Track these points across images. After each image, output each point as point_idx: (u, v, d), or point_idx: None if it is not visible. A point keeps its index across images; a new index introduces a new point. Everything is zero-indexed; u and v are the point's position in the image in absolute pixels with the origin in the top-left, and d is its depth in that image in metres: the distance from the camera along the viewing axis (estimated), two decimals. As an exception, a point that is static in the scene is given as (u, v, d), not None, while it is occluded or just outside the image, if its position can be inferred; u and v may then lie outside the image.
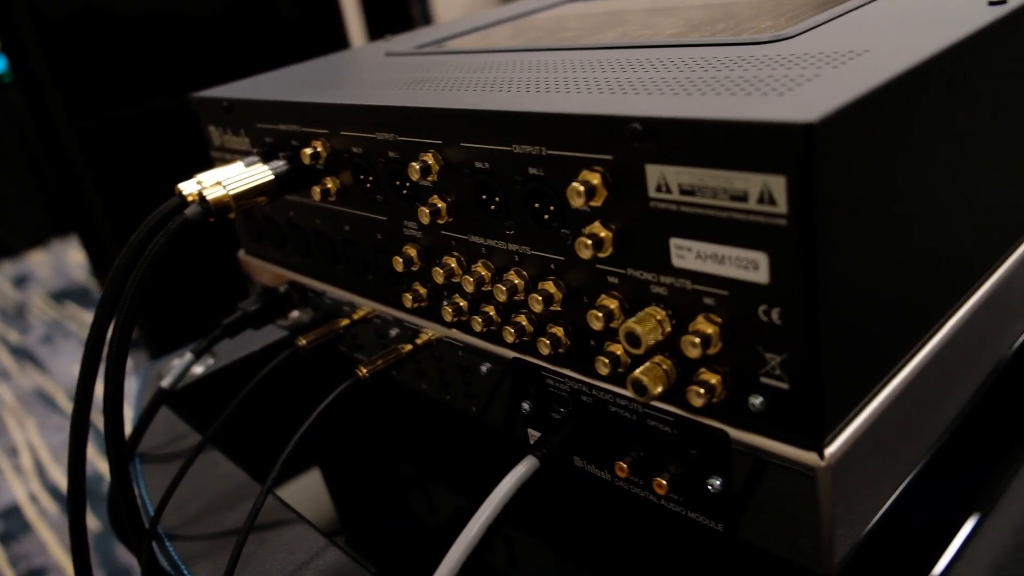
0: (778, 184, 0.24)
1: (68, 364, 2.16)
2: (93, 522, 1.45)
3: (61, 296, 2.65)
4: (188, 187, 0.42)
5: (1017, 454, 0.38)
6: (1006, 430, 0.40)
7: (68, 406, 1.95)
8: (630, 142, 0.27)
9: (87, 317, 2.45)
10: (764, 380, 0.27)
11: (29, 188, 3.09)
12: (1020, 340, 0.40)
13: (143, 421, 0.49)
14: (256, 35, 1.26)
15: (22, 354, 2.30)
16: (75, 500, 0.41)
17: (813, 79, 0.26)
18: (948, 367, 0.32)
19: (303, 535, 0.41)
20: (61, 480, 1.67)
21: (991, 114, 0.34)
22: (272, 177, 0.43)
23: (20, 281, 2.86)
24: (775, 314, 0.26)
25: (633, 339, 0.28)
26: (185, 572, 0.40)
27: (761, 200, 0.24)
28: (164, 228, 0.40)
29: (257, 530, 0.41)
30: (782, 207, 0.24)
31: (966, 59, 0.30)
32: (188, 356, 0.52)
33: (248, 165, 0.44)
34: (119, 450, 0.40)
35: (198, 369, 0.61)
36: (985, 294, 0.35)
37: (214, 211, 0.41)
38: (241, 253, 0.57)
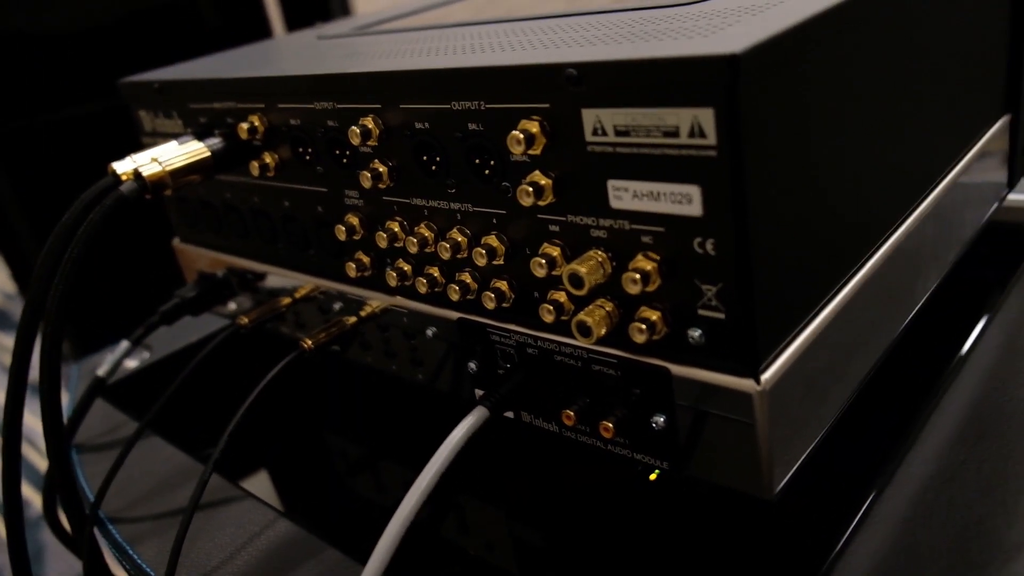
0: (707, 116, 0.25)
1: (-14, 389, 2.07)
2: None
3: (-24, 320, 2.54)
4: (122, 166, 0.42)
5: (938, 391, 0.40)
6: (929, 367, 0.42)
7: (-12, 431, 1.87)
8: (566, 88, 0.28)
9: (4, 340, 2.35)
10: (701, 312, 0.28)
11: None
12: (954, 255, 0.42)
13: (79, 411, 0.48)
14: (179, 40, 1.24)
15: (-65, 381, 2.19)
16: (10, 489, 0.40)
17: (735, 24, 0.28)
18: (877, 299, 0.34)
19: (251, 509, 0.41)
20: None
21: (909, 51, 0.36)
22: (208, 153, 0.43)
23: (-69, 306, 2.73)
24: (709, 245, 0.27)
25: (576, 280, 0.29)
26: (131, 553, 0.40)
27: (692, 134, 0.26)
28: (99, 205, 0.40)
29: (204, 507, 0.41)
30: (711, 139, 0.25)
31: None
32: (124, 344, 0.51)
33: (182, 143, 0.44)
34: (57, 433, 0.39)
35: (132, 363, 0.60)
36: (910, 227, 0.37)
37: (150, 188, 0.41)
38: (176, 241, 0.56)
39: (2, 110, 1.06)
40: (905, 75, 0.36)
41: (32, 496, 1.41)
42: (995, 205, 0.49)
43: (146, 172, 0.41)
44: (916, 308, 0.39)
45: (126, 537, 0.41)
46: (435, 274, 0.37)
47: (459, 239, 0.35)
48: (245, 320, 0.46)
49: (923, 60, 0.37)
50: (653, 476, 0.40)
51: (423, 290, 0.37)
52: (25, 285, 1.28)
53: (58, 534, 0.50)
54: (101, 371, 0.49)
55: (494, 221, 0.34)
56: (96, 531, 0.42)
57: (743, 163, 0.25)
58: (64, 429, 0.43)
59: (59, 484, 0.40)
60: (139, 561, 0.39)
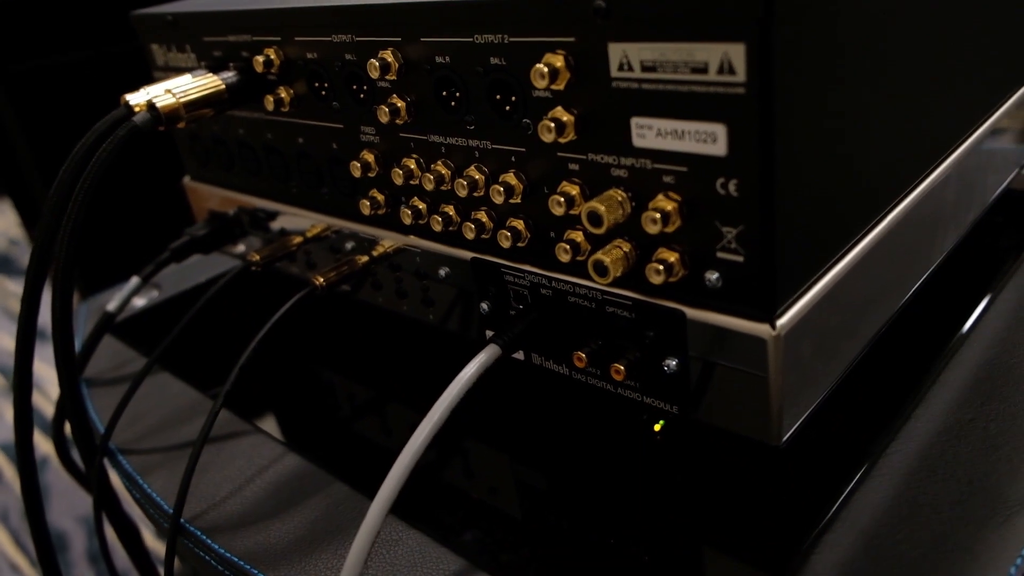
0: (737, 52, 0.25)
1: (-9, 330, 2.08)
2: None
3: (-19, 262, 2.54)
4: (135, 97, 0.41)
5: (948, 352, 0.40)
6: (941, 328, 0.42)
7: (-8, 372, 1.88)
8: (593, 21, 0.28)
9: (9, 285, 2.36)
10: (720, 255, 0.28)
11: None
12: (972, 218, 0.42)
13: (89, 345, 0.49)
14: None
15: (-60, 321, 2.20)
16: (22, 428, 0.40)
17: (769, -41, 0.27)
18: (893, 256, 0.34)
19: (260, 443, 0.41)
20: (-13, 446, 1.61)
21: (939, 6, 0.35)
22: (223, 87, 0.43)
23: (-65, 247, 2.73)
24: (732, 186, 0.27)
25: (595, 218, 0.29)
26: (141, 483, 0.40)
27: (721, 70, 0.25)
28: (111, 136, 0.39)
29: (214, 440, 0.41)
30: (741, 76, 0.25)
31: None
32: (134, 281, 0.51)
33: (196, 77, 0.43)
34: (69, 364, 0.39)
35: (141, 301, 0.60)
36: (930, 186, 0.37)
37: (164, 120, 0.41)
38: (186, 179, 0.56)
39: (10, 52, 1.05)
40: (934, 31, 0.35)
41: (39, 440, 1.42)
42: (1015, 172, 0.48)
43: (160, 103, 0.40)
44: (931, 268, 0.39)
45: (136, 468, 0.41)
46: (450, 212, 0.36)
47: (476, 177, 0.34)
48: (256, 257, 0.46)
49: (952, 19, 0.37)
50: (658, 427, 0.40)
51: (438, 228, 0.37)
52: (34, 229, 1.28)
53: (68, 467, 0.51)
54: (111, 306, 0.50)
55: (513, 159, 0.33)
56: (106, 463, 0.42)
57: (772, 102, 0.25)
58: (75, 361, 0.43)
59: (71, 415, 0.40)
60: (149, 491, 0.39)
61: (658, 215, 0.28)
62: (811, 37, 0.26)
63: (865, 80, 0.30)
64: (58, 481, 1.23)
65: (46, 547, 0.42)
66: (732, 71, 0.25)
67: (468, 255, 0.37)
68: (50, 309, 0.39)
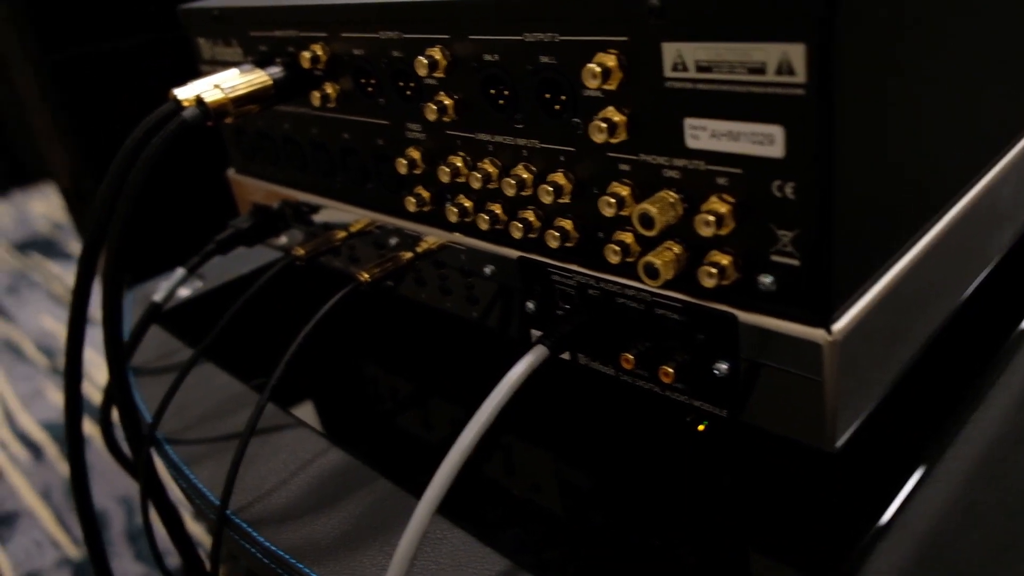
0: (797, 53, 0.24)
1: (34, 314, 2.12)
2: (65, 468, 1.44)
3: (25, 247, 2.60)
4: (184, 92, 0.42)
5: (1007, 354, 0.39)
6: (999, 328, 0.41)
7: (36, 355, 1.92)
8: (647, 20, 0.27)
9: (53, 268, 2.40)
10: (774, 258, 0.28)
11: (-12, 138, 3.01)
12: (1020, 232, 0.41)
13: (136, 334, 0.49)
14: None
15: (-13, 304, 2.25)
16: (72, 407, 0.41)
17: (830, -43, 0.27)
18: (950, 255, 0.33)
19: (304, 438, 0.41)
20: (31, 427, 1.65)
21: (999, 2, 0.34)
22: (270, 82, 0.43)
23: (-18, 232, 2.80)
24: (789, 189, 0.26)
25: (647, 220, 0.29)
26: (187, 473, 0.41)
27: (779, 71, 0.25)
28: (160, 131, 0.40)
29: (258, 433, 0.42)
30: (800, 77, 0.25)
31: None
32: (180, 272, 0.51)
33: (243, 72, 0.43)
34: (118, 355, 0.40)
35: (186, 291, 0.61)
36: (988, 184, 0.36)
37: (212, 114, 0.41)
38: (231, 172, 0.56)
39: (55, 39, 1.06)
40: (992, 26, 0.34)
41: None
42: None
43: (208, 98, 0.40)
44: (989, 267, 0.38)
45: (183, 458, 0.42)
46: (497, 211, 0.36)
47: (524, 176, 0.34)
48: (301, 252, 0.46)
49: (1010, 14, 0.36)
50: (702, 427, 0.39)
51: (484, 227, 0.36)
52: (77, 214, 1.30)
53: (114, 453, 0.52)
54: (157, 297, 0.50)
55: (562, 158, 0.33)
56: (152, 451, 0.43)
57: (832, 104, 0.25)
58: (124, 348, 0.43)
59: (119, 403, 0.41)
60: (195, 481, 0.40)
61: (712, 218, 0.28)
62: (872, 36, 0.26)
63: (925, 78, 0.30)
64: (99, 461, 1.25)
65: (92, 528, 0.43)
66: (791, 72, 0.25)
67: (514, 254, 0.37)
68: (99, 299, 0.39)
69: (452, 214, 0.38)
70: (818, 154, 0.25)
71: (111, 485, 1.36)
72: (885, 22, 0.26)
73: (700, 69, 0.27)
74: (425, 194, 0.40)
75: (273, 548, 0.35)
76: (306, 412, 0.48)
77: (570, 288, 0.35)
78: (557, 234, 0.34)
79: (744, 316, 0.30)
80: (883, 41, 0.26)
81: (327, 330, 0.40)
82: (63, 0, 1.05)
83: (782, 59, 0.25)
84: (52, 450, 1.56)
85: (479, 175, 0.35)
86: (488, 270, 0.39)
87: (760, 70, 0.25)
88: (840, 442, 0.30)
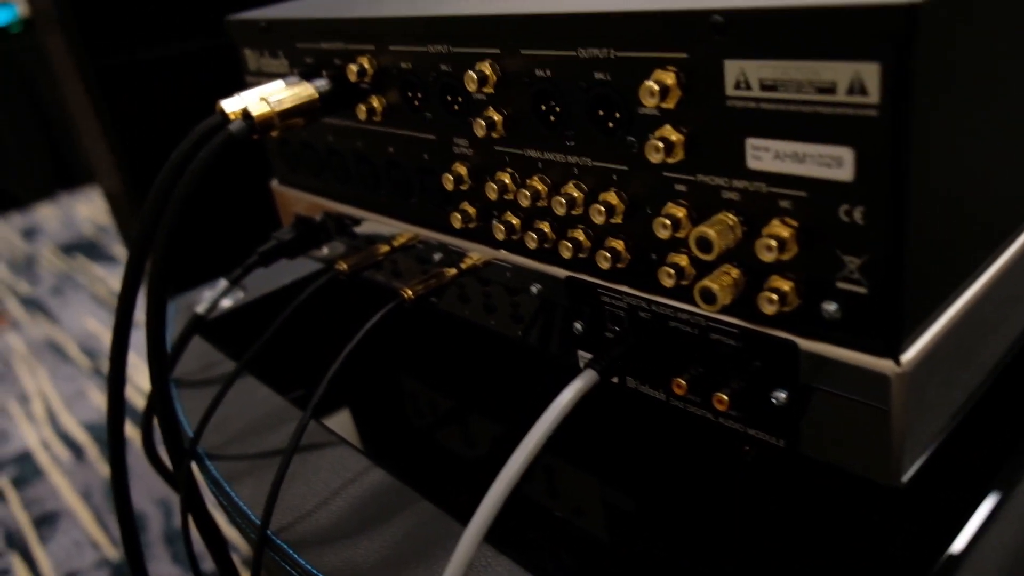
0: (871, 72, 0.23)
1: (78, 316, 2.16)
2: (105, 469, 1.46)
3: (70, 249, 2.65)
4: (230, 104, 0.41)
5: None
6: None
7: (79, 356, 1.96)
8: (709, 37, 0.26)
9: (96, 270, 2.45)
10: (840, 285, 0.27)
11: (36, 141, 3.08)
12: None
13: (178, 346, 0.49)
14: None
15: (32, 305, 2.30)
16: (114, 416, 0.41)
17: (904, -29, 0.25)
18: (1022, 281, 0.32)
19: (346, 456, 0.41)
20: (73, 428, 1.67)
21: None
22: (316, 95, 0.42)
23: (29, 233, 2.86)
24: (857, 214, 0.25)
25: (705, 244, 0.28)
26: (228, 490, 0.40)
27: (851, 91, 0.24)
28: (208, 144, 0.39)
29: (299, 451, 0.41)
30: (874, 97, 0.23)
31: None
32: (222, 283, 0.51)
33: (289, 84, 0.43)
34: (161, 365, 0.40)
35: (228, 302, 0.61)
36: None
37: (258, 128, 0.41)
38: (274, 183, 0.56)
39: (102, 46, 1.08)
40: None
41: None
42: None
43: (255, 111, 0.40)
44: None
45: (223, 474, 0.41)
46: (546, 229, 0.35)
47: (575, 194, 0.33)
48: (344, 267, 0.46)
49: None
50: (748, 448, 0.38)
51: (532, 245, 0.36)
52: (121, 218, 1.32)
53: (154, 464, 0.52)
54: (200, 308, 0.50)
55: (614, 177, 0.32)
56: (192, 464, 0.43)
57: (907, 126, 0.23)
58: (167, 361, 0.43)
59: (161, 416, 0.40)
60: (236, 499, 0.39)
61: (774, 242, 0.26)
62: (951, 55, 0.24)
63: (1002, 99, 0.28)
64: (138, 463, 1.27)
65: (131, 532, 0.43)
66: (864, 92, 0.23)
67: (563, 273, 0.36)
68: (143, 303, 0.39)
69: (499, 231, 0.37)
70: (891, 178, 0.24)
71: (149, 488, 1.38)
72: (962, 43, 0.25)
73: (764, 87, 0.26)
74: (471, 210, 0.39)
75: (314, 571, 0.34)
76: (343, 421, 0.47)
77: (620, 310, 0.34)
78: (608, 255, 0.33)
79: (805, 344, 0.28)
80: (963, 59, 0.25)
81: (368, 343, 0.39)
82: (111, 7, 1.07)
83: (854, 78, 0.23)
84: (93, 451, 1.58)
85: (528, 192, 0.35)
86: (535, 289, 0.38)
87: (830, 89, 0.24)
88: (907, 476, 0.28)
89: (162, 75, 1.10)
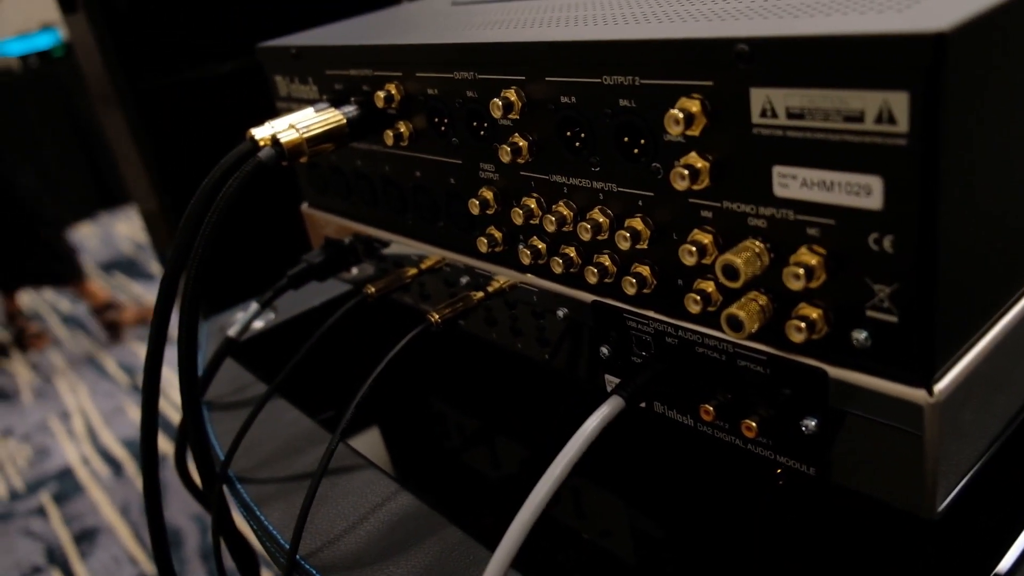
0: (900, 101, 0.23)
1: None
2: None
3: (110, 267, 2.70)
4: (260, 132, 0.42)
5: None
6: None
7: (118, 373, 1.99)
8: (735, 65, 0.26)
9: (135, 288, 2.49)
10: (870, 313, 0.26)
11: (77, 162, 3.15)
12: None
13: (210, 369, 0.50)
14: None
15: (73, 323, 2.35)
16: (148, 441, 0.42)
17: (932, -3, 0.25)
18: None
19: (374, 480, 0.41)
20: (112, 443, 1.70)
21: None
22: (344, 121, 0.43)
23: (69, 252, 2.92)
24: (887, 242, 0.25)
25: (731, 271, 0.27)
26: (258, 514, 0.40)
27: (879, 119, 0.23)
28: (238, 171, 0.40)
29: (328, 474, 0.42)
30: (902, 126, 0.23)
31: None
32: (253, 306, 0.52)
33: (318, 111, 0.44)
34: (193, 389, 0.40)
35: (258, 324, 0.61)
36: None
37: (287, 155, 0.41)
38: (304, 206, 0.57)
39: (141, 69, 1.10)
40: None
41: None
42: None
43: (284, 139, 0.41)
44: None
45: (253, 498, 0.42)
46: (571, 254, 0.35)
47: (600, 220, 0.33)
48: (372, 290, 0.46)
49: None
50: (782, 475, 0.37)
51: (558, 270, 0.36)
52: (157, 238, 1.34)
53: (187, 485, 0.52)
54: (232, 331, 0.51)
55: (640, 203, 0.32)
56: (224, 488, 0.43)
57: (937, 154, 0.23)
58: (199, 385, 0.44)
59: (193, 440, 0.41)
60: (266, 523, 0.40)
61: (801, 270, 0.26)
62: (979, 84, 0.24)
63: (1036, 122, 0.28)
64: (174, 479, 1.29)
65: (163, 547, 0.43)
66: (892, 120, 0.23)
67: (589, 298, 0.36)
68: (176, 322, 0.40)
69: (525, 256, 0.37)
70: (920, 207, 0.24)
71: (185, 503, 1.39)
72: (990, 70, 0.24)
73: (791, 116, 0.25)
74: (497, 235, 0.39)
75: (342, 596, 0.35)
76: (372, 440, 0.47)
77: (647, 335, 0.34)
78: (634, 280, 0.32)
79: (835, 372, 0.28)
80: (987, 90, 0.25)
81: (396, 366, 0.39)
82: (147, 32, 1.09)
83: (882, 107, 0.23)
84: (131, 467, 1.61)
85: (553, 218, 0.35)
86: (561, 313, 0.38)
87: (858, 118, 0.24)
88: (941, 508, 0.28)
89: (197, 97, 1.12)
